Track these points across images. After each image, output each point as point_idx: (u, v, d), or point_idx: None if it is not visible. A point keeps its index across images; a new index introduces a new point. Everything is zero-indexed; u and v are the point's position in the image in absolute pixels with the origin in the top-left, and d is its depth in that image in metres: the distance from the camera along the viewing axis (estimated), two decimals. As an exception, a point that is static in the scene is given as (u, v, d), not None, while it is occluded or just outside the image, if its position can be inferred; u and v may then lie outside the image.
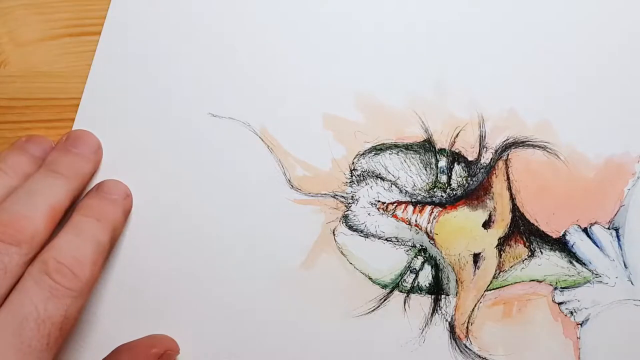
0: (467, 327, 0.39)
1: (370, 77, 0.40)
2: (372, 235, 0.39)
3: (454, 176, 0.39)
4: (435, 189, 0.39)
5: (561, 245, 0.39)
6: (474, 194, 0.39)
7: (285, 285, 0.39)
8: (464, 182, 0.39)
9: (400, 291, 0.39)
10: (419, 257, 0.39)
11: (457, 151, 0.39)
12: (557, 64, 0.40)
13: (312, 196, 0.39)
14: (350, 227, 0.39)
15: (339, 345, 0.39)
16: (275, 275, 0.39)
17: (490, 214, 0.39)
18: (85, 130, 0.39)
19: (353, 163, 0.39)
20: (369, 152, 0.39)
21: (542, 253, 0.39)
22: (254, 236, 0.39)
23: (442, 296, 0.39)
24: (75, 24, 0.41)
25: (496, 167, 0.39)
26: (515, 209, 0.39)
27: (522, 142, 0.39)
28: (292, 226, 0.39)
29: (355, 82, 0.40)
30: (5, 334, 0.31)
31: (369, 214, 0.39)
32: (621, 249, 0.39)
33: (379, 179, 0.39)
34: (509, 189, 0.39)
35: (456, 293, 0.39)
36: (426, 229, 0.39)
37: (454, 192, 0.39)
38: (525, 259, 0.39)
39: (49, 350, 0.32)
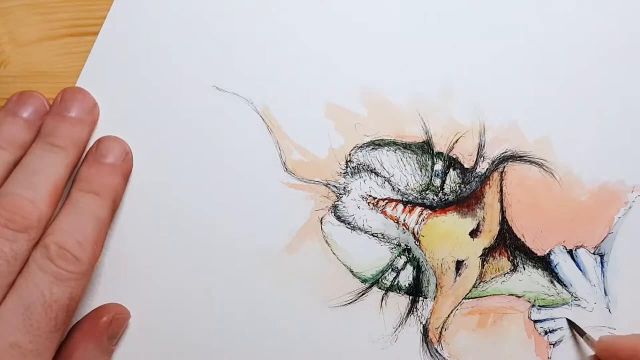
0: (441, 332, 0.39)
1: (379, 73, 0.40)
2: (359, 229, 0.39)
3: (447, 181, 0.39)
4: (427, 191, 0.39)
5: (544, 263, 0.39)
6: (466, 201, 0.39)
7: (266, 266, 0.39)
8: (457, 188, 0.39)
9: (380, 288, 0.39)
10: (402, 256, 0.39)
11: (454, 157, 0.39)
12: (567, 84, 0.40)
13: (304, 182, 0.39)
14: (339, 218, 0.39)
15: (311, 333, 0.39)
16: (258, 255, 0.39)
17: (478, 223, 0.39)
18: (78, 88, 0.39)
19: (350, 154, 0.39)
20: (367, 146, 0.39)
21: (524, 269, 0.39)
22: (243, 214, 0.39)
23: (420, 298, 0.39)
24: (75, 24, 0.41)
25: (491, 178, 0.39)
26: (504, 221, 0.39)
27: (520, 156, 0.39)
28: (281, 208, 0.39)
29: (363, 76, 0.40)
30: (15, 317, 0.32)
31: (358, 207, 0.39)
32: (603, 276, 0.39)
33: (373, 174, 0.39)
34: (501, 201, 0.39)
35: (434, 297, 0.39)
36: (413, 229, 0.39)
37: (446, 197, 0.39)
38: (507, 273, 0.40)
39: (57, 331, 0.33)
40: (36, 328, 0.32)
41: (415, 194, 0.39)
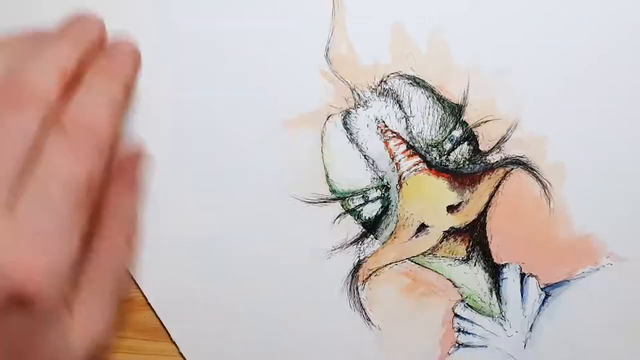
0: (370, 275, 0.40)
1: (468, 28, 0.39)
2: (357, 145, 0.39)
3: (457, 151, 0.39)
4: (434, 148, 0.39)
5: (495, 271, 0.40)
6: (461, 177, 0.39)
7: (266, 136, 0.39)
8: (461, 162, 0.39)
9: (342, 206, 0.39)
10: (378, 190, 0.39)
11: (475, 133, 0.39)
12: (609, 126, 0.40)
13: (336, 75, 0.39)
14: (345, 124, 0.39)
15: (262, 217, 0.39)
16: (261, 126, 0.39)
17: (460, 202, 0.39)
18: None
19: (388, 76, 0.39)
20: (407, 78, 0.39)
21: (475, 265, 0.40)
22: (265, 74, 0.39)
23: (371, 236, 0.40)
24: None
25: (495, 171, 0.39)
26: (483, 214, 0.39)
27: (531, 168, 0.39)
28: (301, 87, 0.39)
29: (448, 19, 0.39)
30: (31, 195, 0.31)
31: (367, 125, 0.39)
32: (538, 313, 0.40)
33: (397, 105, 0.39)
34: (491, 195, 0.39)
35: (383, 242, 0.40)
36: (402, 173, 0.39)
37: (447, 163, 0.39)
38: (458, 260, 0.40)
39: (77, 210, 0.32)
40: (54, 204, 0.31)
41: (422, 144, 0.39)
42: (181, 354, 0.40)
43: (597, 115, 0.39)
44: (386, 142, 0.39)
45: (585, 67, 0.39)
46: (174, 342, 0.40)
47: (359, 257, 0.40)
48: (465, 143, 0.39)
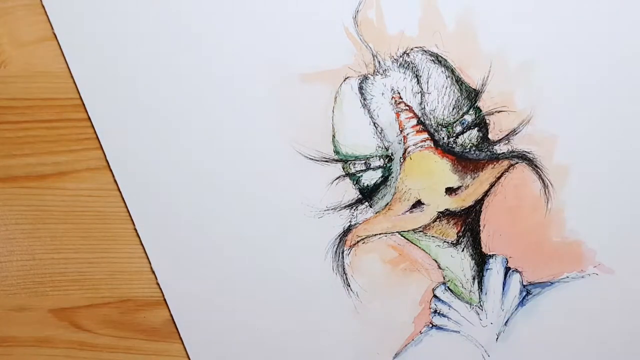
0: (358, 242, 0.40)
1: (500, 14, 0.39)
2: (368, 111, 0.39)
3: (466, 135, 0.39)
4: (444, 129, 0.39)
5: (481, 260, 0.40)
6: (466, 161, 0.39)
7: (277, 87, 0.39)
8: (468, 147, 0.39)
9: (343, 168, 0.40)
10: (381, 159, 0.39)
11: (487, 121, 0.39)
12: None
13: (360, 38, 0.39)
14: (360, 88, 0.39)
15: (261, 161, 0.39)
16: (277, 79, 0.39)
17: (460, 186, 0.39)
18: None
19: (412, 49, 0.39)
20: (430, 54, 0.39)
21: (462, 251, 0.40)
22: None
23: (366, 203, 0.40)
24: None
25: (499, 162, 0.39)
26: (480, 202, 0.39)
27: (537, 166, 0.39)
28: (325, 46, 0.39)
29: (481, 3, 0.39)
30: None
31: (382, 94, 0.39)
32: (516, 310, 0.40)
33: (416, 79, 0.39)
34: (492, 185, 0.39)
35: (377, 212, 0.40)
36: (408, 147, 0.39)
37: (454, 145, 0.39)
38: (447, 242, 0.40)
39: None
40: None
41: (433, 122, 0.39)
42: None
43: (611, 126, 0.39)
44: (397, 114, 0.39)
45: (608, 75, 0.39)
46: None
47: (350, 221, 0.40)
48: (476, 129, 0.39)
